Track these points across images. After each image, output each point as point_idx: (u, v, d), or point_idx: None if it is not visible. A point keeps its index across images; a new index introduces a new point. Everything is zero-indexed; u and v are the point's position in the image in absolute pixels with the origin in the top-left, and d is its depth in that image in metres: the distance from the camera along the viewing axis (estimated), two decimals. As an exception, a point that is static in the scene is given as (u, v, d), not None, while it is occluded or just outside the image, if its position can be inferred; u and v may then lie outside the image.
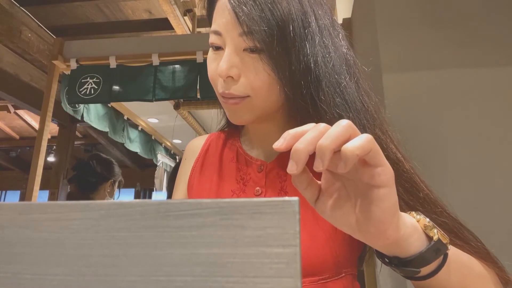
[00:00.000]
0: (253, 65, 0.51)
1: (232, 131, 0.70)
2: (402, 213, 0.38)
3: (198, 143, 0.71)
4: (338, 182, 0.38)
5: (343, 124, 0.32)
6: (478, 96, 1.14)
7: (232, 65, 0.51)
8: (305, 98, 0.50)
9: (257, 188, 0.59)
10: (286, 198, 0.21)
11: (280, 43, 0.48)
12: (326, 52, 0.51)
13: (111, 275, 0.21)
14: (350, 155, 0.31)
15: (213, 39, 0.54)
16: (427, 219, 0.40)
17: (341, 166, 0.32)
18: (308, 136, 0.32)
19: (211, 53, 0.55)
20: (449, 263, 0.40)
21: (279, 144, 0.34)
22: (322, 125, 0.33)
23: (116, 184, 2.01)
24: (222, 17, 0.52)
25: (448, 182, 1.07)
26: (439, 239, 0.38)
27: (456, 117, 1.13)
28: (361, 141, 0.31)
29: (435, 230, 0.39)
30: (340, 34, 0.55)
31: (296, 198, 0.21)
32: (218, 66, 0.52)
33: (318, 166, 0.31)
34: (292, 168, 0.32)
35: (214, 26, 0.53)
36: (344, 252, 0.54)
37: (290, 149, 0.32)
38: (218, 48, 0.54)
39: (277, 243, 0.20)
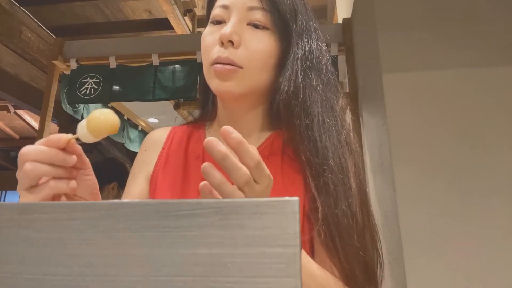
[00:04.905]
0: (254, 38, 0.54)
1: (197, 125, 0.67)
2: None
3: (159, 134, 0.67)
4: None
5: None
6: (477, 96, 1.13)
7: (236, 31, 0.54)
8: (291, 78, 0.55)
9: None
10: (286, 198, 0.21)
11: (286, 27, 0.55)
12: (317, 49, 0.59)
13: (111, 275, 0.21)
14: None
15: (217, 12, 0.56)
16: None
17: None
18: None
19: (209, 28, 0.58)
20: None
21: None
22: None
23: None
24: None
25: (447, 181, 1.07)
26: None
27: (455, 117, 1.13)
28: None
29: None
30: (322, 40, 0.64)
31: (296, 198, 0.21)
32: (216, 36, 0.55)
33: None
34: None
35: (221, 1, 0.56)
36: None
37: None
38: (218, 23, 0.56)
39: (277, 243, 0.20)
